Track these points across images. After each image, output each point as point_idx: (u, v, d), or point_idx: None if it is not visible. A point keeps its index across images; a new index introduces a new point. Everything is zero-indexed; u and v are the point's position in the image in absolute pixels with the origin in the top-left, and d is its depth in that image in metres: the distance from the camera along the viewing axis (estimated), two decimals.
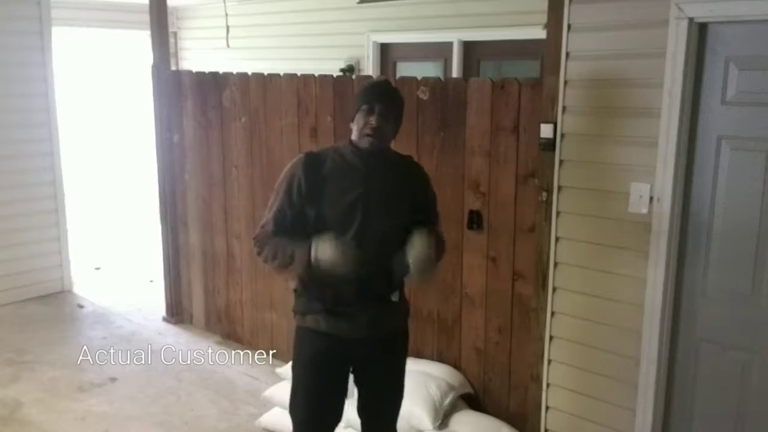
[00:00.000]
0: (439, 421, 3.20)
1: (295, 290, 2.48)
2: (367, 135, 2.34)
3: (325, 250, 2.23)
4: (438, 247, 2.44)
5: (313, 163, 2.39)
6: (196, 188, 4.70)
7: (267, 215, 2.44)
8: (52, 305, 5.35)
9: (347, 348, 2.41)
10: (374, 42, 5.82)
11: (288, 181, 2.40)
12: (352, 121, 2.41)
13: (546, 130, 2.92)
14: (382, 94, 2.40)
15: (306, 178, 2.36)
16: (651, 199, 2.66)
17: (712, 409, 2.72)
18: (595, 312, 2.90)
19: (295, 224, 2.38)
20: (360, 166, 2.38)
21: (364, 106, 2.36)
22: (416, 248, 2.30)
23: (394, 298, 2.45)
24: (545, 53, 2.93)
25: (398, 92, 2.48)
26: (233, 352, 4.49)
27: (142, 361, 4.35)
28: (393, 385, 2.57)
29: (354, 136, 2.40)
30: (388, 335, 2.48)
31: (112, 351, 4.49)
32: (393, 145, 2.50)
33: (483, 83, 3.21)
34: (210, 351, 4.51)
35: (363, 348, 2.43)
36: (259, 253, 2.43)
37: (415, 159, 3.53)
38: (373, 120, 2.33)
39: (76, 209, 6.64)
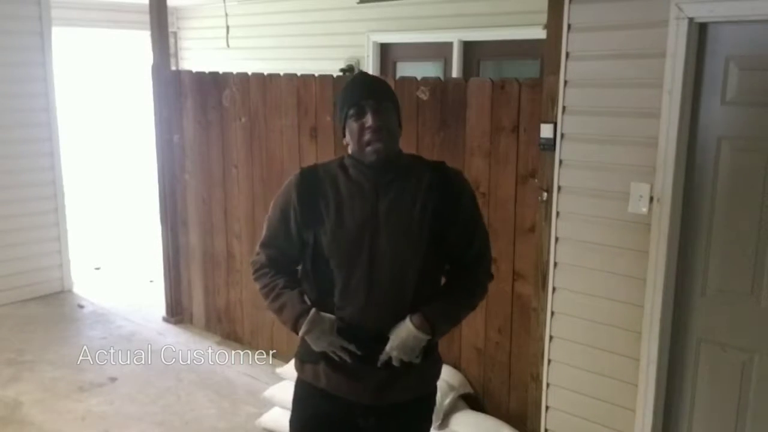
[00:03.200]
0: (439, 421, 3.21)
1: None
2: (370, 142, 1.86)
3: (314, 337, 1.89)
4: (448, 322, 1.99)
5: (309, 183, 1.94)
6: (196, 188, 4.70)
7: (261, 240, 2.06)
8: (52, 305, 5.34)
9: (351, 414, 1.95)
10: (374, 42, 5.83)
11: (281, 207, 1.98)
12: (343, 136, 1.95)
13: (546, 130, 2.93)
14: (368, 88, 1.92)
15: (301, 203, 1.93)
16: (651, 199, 2.66)
17: (712, 409, 2.72)
18: (595, 312, 2.90)
19: (290, 257, 2.00)
20: (365, 183, 1.89)
21: (352, 111, 1.88)
22: (396, 335, 1.87)
23: (417, 359, 1.91)
24: (545, 53, 2.93)
25: (377, 77, 2.07)
26: (233, 352, 4.48)
27: (142, 361, 4.35)
28: None
29: (355, 152, 1.92)
30: (404, 402, 1.97)
31: (112, 351, 4.49)
32: None
33: (483, 83, 3.21)
34: (210, 351, 4.51)
35: (370, 417, 1.95)
36: (255, 280, 2.07)
37: None
38: (369, 120, 1.86)
39: (76, 209, 6.65)
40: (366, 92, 1.89)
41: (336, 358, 1.90)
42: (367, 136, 1.86)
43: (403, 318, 1.87)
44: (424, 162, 2.03)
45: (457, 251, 1.97)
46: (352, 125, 1.89)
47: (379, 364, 1.89)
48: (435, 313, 1.90)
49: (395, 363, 1.88)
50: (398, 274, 1.87)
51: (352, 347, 1.88)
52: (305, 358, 1.99)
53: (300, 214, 1.93)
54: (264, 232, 2.05)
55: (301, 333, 1.90)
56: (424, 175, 1.94)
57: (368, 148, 1.86)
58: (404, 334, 1.86)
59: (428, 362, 1.99)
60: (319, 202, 1.91)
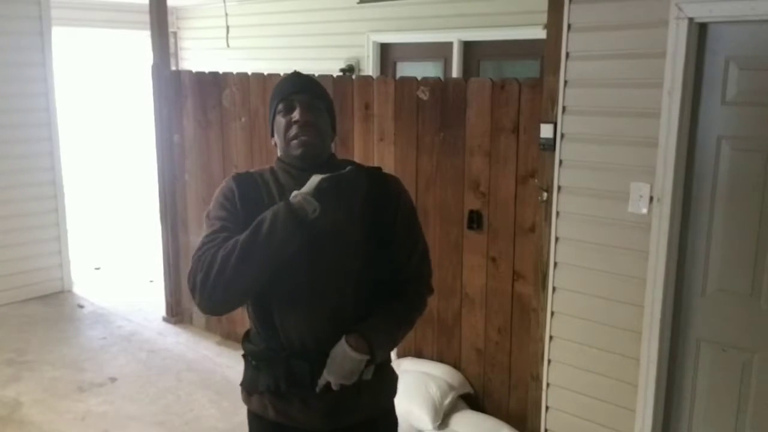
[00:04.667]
0: (439, 421, 3.21)
1: (244, 354, 1.88)
2: (295, 137, 1.74)
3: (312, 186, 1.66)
4: (387, 341, 1.80)
5: (246, 186, 1.80)
6: (196, 188, 4.70)
7: (203, 234, 1.77)
8: (52, 305, 5.34)
9: None
10: (374, 42, 5.83)
11: (222, 197, 1.82)
12: (272, 135, 1.83)
13: (546, 130, 2.93)
14: (300, 83, 1.81)
15: (242, 203, 1.77)
16: (651, 199, 2.66)
17: (712, 409, 2.72)
18: (595, 312, 2.90)
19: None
20: (296, 187, 1.69)
21: (280, 106, 1.78)
22: (332, 359, 1.71)
23: (367, 375, 1.76)
24: (545, 53, 2.93)
25: (316, 79, 1.90)
26: (233, 352, 4.48)
27: (142, 361, 4.35)
28: None
29: (280, 151, 1.81)
30: (359, 423, 1.84)
31: (112, 351, 4.49)
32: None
33: (483, 83, 3.21)
34: (210, 351, 4.51)
35: None
36: (204, 279, 1.65)
37: (415, 159, 3.58)
38: (297, 116, 1.74)
39: (76, 209, 6.65)
40: (297, 87, 1.79)
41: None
42: (293, 131, 1.75)
43: (342, 333, 1.72)
44: (361, 166, 1.87)
45: (396, 264, 1.83)
46: (280, 121, 1.77)
47: (317, 390, 1.74)
48: (373, 332, 1.74)
49: (335, 388, 1.73)
50: (338, 284, 1.75)
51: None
52: (251, 389, 1.84)
53: (242, 213, 1.75)
54: (204, 230, 1.79)
55: (303, 192, 1.65)
56: (359, 182, 1.77)
57: (293, 142, 1.75)
58: (340, 357, 1.70)
59: (380, 378, 1.83)
60: (255, 208, 1.73)
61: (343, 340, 1.71)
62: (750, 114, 2.47)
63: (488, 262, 3.31)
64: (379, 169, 1.92)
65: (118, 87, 8.80)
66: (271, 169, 1.84)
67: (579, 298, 2.94)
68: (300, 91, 1.78)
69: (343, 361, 1.70)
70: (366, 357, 1.71)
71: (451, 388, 3.33)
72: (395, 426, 1.99)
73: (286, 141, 1.77)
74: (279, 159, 1.83)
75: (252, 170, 1.89)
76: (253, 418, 1.89)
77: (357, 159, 3.69)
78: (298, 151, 1.75)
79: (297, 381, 1.76)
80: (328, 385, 1.74)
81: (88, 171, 8.49)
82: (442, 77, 5.03)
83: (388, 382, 1.92)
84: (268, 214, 1.65)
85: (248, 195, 1.78)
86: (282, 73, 4.08)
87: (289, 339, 1.77)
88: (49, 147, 5.40)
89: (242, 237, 1.65)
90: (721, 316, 2.64)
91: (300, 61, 5.90)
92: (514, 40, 4.94)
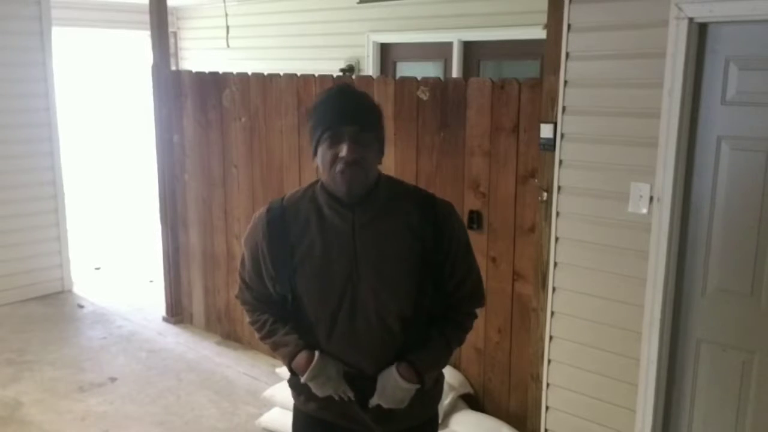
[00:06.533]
0: (439, 422, 3.20)
1: None
2: (342, 173, 1.66)
3: (319, 383, 1.75)
4: (437, 365, 1.84)
5: (277, 226, 1.76)
6: (196, 188, 4.70)
7: (240, 276, 1.90)
8: (52, 305, 5.34)
9: None
10: (374, 42, 5.83)
11: (251, 250, 1.83)
12: (315, 154, 1.73)
13: (546, 130, 2.93)
14: (350, 112, 1.68)
15: (270, 250, 1.76)
16: (651, 199, 2.66)
17: (712, 409, 2.72)
18: (595, 312, 2.89)
19: (271, 295, 1.84)
20: (342, 225, 1.71)
21: (326, 135, 1.67)
22: (381, 386, 1.74)
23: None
24: (545, 53, 2.93)
25: (368, 97, 1.78)
26: (233, 352, 4.49)
27: (142, 361, 4.35)
28: None
29: (325, 179, 1.74)
30: (408, 429, 1.87)
31: (112, 351, 4.49)
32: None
33: (483, 83, 3.21)
34: (210, 351, 4.51)
35: None
36: (244, 313, 1.94)
37: (415, 159, 3.58)
38: (344, 152, 1.64)
39: (76, 209, 6.65)
40: (347, 117, 1.67)
41: (337, 399, 1.79)
42: (339, 167, 1.66)
43: (392, 358, 1.74)
44: (410, 194, 1.82)
45: (448, 291, 1.81)
46: (326, 152, 1.68)
47: (370, 406, 1.77)
48: (423, 361, 1.75)
49: (385, 407, 1.76)
50: (382, 324, 1.72)
51: (350, 394, 1.76)
52: (301, 389, 1.85)
53: (270, 262, 1.77)
54: (241, 270, 1.89)
55: (304, 379, 1.75)
56: (409, 213, 1.75)
57: (338, 178, 1.67)
58: (391, 387, 1.72)
59: (431, 386, 1.86)
60: (289, 249, 1.73)
61: (393, 369, 1.73)
62: (750, 114, 2.47)
63: (488, 262, 3.31)
64: (431, 197, 1.83)
65: (118, 87, 8.80)
66: (313, 196, 1.78)
67: (579, 298, 2.94)
68: (349, 123, 1.65)
69: (394, 391, 1.73)
70: (416, 386, 1.74)
71: (451, 388, 3.33)
72: (437, 427, 2.02)
73: (331, 175, 1.69)
74: (323, 186, 1.76)
75: (287, 200, 1.82)
76: (302, 417, 1.91)
77: None
78: (342, 189, 1.69)
79: (346, 403, 1.79)
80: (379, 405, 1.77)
81: (88, 171, 8.49)
82: (442, 77, 5.03)
83: (436, 387, 1.93)
84: (288, 351, 1.78)
85: (277, 237, 1.76)
86: (282, 73, 4.12)
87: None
88: (49, 147, 5.40)
89: (267, 335, 1.84)
90: (721, 316, 2.64)
91: (300, 61, 5.91)
92: (514, 40, 4.94)
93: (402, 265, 1.72)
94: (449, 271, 1.79)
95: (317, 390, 1.76)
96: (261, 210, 1.83)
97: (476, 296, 1.89)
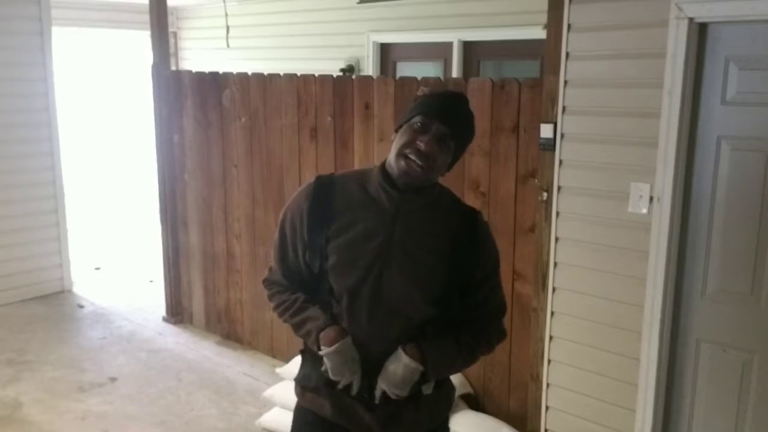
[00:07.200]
0: None
1: (302, 350, 1.92)
2: (408, 158, 1.69)
3: (339, 362, 1.73)
4: (445, 359, 1.78)
5: (322, 193, 1.79)
6: (196, 188, 4.70)
7: (273, 255, 1.90)
8: (52, 305, 5.34)
9: None
10: (374, 42, 5.83)
11: (291, 217, 1.84)
12: (396, 131, 1.78)
13: (546, 130, 2.93)
14: (449, 111, 1.73)
15: (310, 213, 1.78)
16: (651, 199, 2.66)
17: (712, 409, 2.72)
18: (595, 312, 2.90)
19: (306, 272, 1.83)
20: (386, 203, 1.74)
21: (418, 120, 1.70)
22: (386, 365, 1.72)
23: (427, 390, 1.77)
24: (545, 53, 2.93)
25: (473, 117, 1.81)
26: (233, 352, 4.49)
27: (142, 361, 4.35)
28: None
29: (390, 157, 1.75)
30: None
31: (112, 351, 4.49)
32: None
33: (483, 83, 3.21)
34: (210, 351, 4.51)
35: None
36: (269, 299, 1.91)
37: None
38: (423, 142, 1.68)
39: (76, 209, 6.65)
40: (446, 117, 1.71)
41: (340, 387, 1.76)
42: (410, 152, 1.69)
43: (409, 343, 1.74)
44: (458, 203, 1.86)
45: (469, 304, 1.81)
46: (407, 133, 1.71)
47: (376, 401, 1.74)
48: (431, 347, 1.74)
49: (392, 396, 1.73)
50: (400, 309, 1.73)
51: (358, 385, 1.74)
52: (307, 386, 1.84)
53: (308, 226, 1.77)
54: (274, 246, 1.89)
55: (329, 350, 1.72)
56: (452, 217, 1.79)
57: (401, 161, 1.70)
58: (394, 363, 1.71)
59: (441, 392, 1.84)
60: (329, 217, 1.75)
61: (399, 348, 1.72)
62: (750, 114, 2.47)
63: None
64: (477, 213, 1.85)
65: (118, 87, 8.81)
66: (369, 172, 1.81)
67: (579, 298, 2.94)
68: (444, 123, 1.70)
69: (396, 367, 1.71)
70: (419, 367, 1.71)
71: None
72: None
73: (398, 152, 1.71)
74: (382, 167, 1.78)
75: (337, 175, 1.86)
76: (304, 414, 1.88)
77: (357, 159, 3.70)
78: (399, 172, 1.71)
79: (349, 402, 1.77)
80: (386, 395, 1.74)
81: (88, 171, 8.49)
82: (442, 77, 5.03)
83: (445, 396, 1.91)
84: (319, 323, 1.75)
85: (320, 204, 1.78)
86: (282, 73, 4.12)
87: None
88: (49, 147, 5.40)
89: (297, 311, 1.81)
90: (721, 316, 2.64)
91: (300, 61, 5.92)
92: (514, 40, 4.94)
93: (432, 258, 1.75)
94: (475, 286, 1.81)
95: (334, 367, 1.73)
96: (308, 181, 1.86)
97: (497, 315, 1.90)
